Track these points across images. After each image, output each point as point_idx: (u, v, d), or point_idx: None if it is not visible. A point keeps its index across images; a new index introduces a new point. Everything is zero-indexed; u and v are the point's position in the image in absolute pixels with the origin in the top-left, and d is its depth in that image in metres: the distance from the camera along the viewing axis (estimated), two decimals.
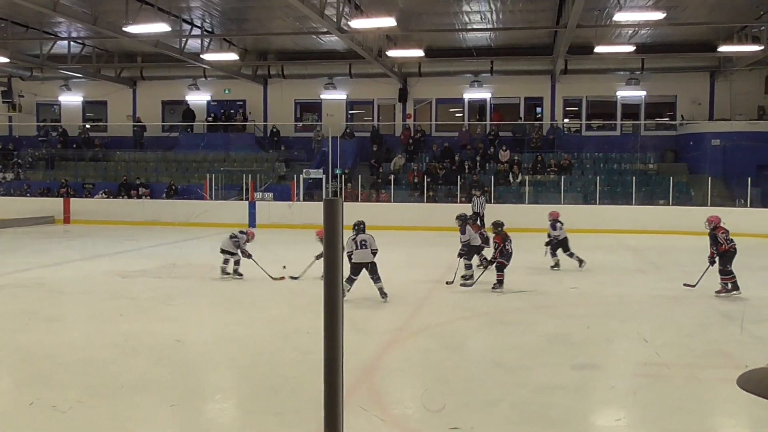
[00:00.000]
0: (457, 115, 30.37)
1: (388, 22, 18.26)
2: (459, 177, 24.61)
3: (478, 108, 29.96)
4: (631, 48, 23.29)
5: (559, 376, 7.01)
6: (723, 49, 22.42)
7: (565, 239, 14.12)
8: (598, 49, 22.46)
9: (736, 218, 20.04)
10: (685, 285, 11.53)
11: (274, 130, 29.68)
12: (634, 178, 23.32)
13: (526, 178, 24.58)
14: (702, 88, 27.73)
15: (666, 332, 8.94)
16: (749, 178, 21.65)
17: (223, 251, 12.87)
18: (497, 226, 12.09)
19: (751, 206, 21.13)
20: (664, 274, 14.10)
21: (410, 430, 5.57)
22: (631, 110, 28.68)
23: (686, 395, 6.55)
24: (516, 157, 26.38)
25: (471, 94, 29.28)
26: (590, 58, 24.56)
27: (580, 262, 13.91)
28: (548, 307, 10.52)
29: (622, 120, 28.74)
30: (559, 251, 14.11)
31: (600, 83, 27.80)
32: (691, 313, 10.21)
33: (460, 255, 12.48)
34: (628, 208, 22.36)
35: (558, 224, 14.17)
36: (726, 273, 11.04)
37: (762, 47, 21.65)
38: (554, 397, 6.35)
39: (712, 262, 11.18)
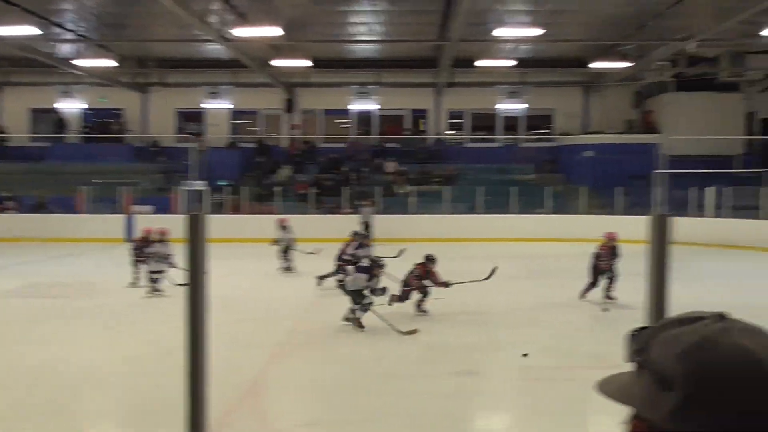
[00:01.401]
0: (344, 126, 30.53)
1: (274, 31, 18.13)
2: (345, 188, 24.74)
3: (365, 119, 30.25)
4: (511, 62, 24.26)
5: (443, 383, 7.18)
6: (595, 65, 23.74)
7: None
8: (481, 62, 23.30)
9: (608, 226, 21.26)
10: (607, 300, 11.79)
11: (154, 140, 28.77)
12: (514, 188, 24.20)
13: (412, 188, 25.06)
14: (577, 102, 29.24)
15: (545, 337, 9.34)
16: (619, 188, 22.99)
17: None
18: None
19: (622, 213, 22.37)
20: (543, 280, 14.71)
21: None
22: (511, 122, 29.80)
23: (564, 397, 6.86)
24: (402, 168, 26.84)
25: (358, 106, 29.54)
26: (473, 71, 25.35)
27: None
28: (433, 316, 10.73)
29: (503, 132, 29.82)
30: None
31: (482, 96, 28.72)
32: (571, 317, 10.71)
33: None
34: (509, 217, 23.18)
35: None
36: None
37: (630, 64, 23.10)
38: (444, 405, 6.50)
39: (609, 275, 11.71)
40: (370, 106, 29.49)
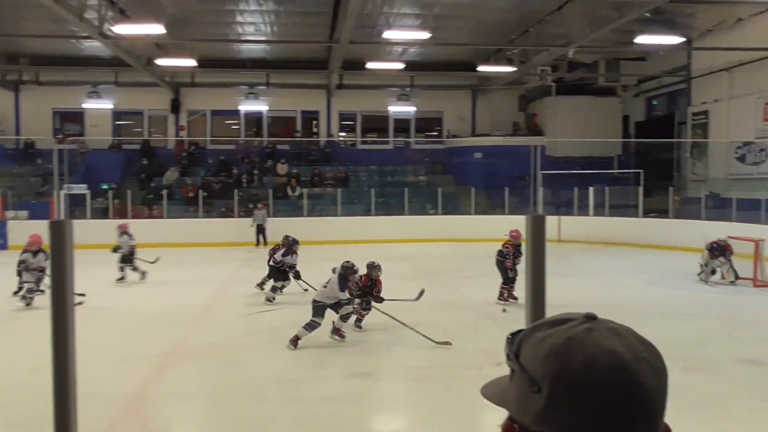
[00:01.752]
0: (233, 127, 29.97)
1: (156, 29, 17.58)
2: (236, 191, 24.31)
3: (254, 120, 29.82)
4: (401, 65, 24.59)
5: (337, 386, 7.16)
6: (482, 68, 24.43)
7: None
8: (371, 65, 23.50)
9: (497, 225, 21.92)
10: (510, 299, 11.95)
11: (29, 141, 27.22)
12: (406, 189, 24.53)
13: (304, 191, 24.92)
14: (465, 105, 29.98)
15: (439, 335, 9.47)
16: (507, 188, 23.74)
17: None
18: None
19: (508, 213, 23.12)
20: (434, 279, 14.94)
21: None
22: (402, 125, 30.19)
23: (458, 393, 6.99)
24: (294, 170, 26.65)
25: (247, 107, 29.01)
26: (363, 73, 25.54)
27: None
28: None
29: (394, 134, 30.18)
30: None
31: (373, 98, 28.93)
32: (460, 316, 10.93)
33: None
34: (401, 218, 23.47)
35: None
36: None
37: (515, 68, 23.91)
38: (332, 408, 6.48)
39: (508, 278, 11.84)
40: (260, 107, 29.03)
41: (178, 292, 13.09)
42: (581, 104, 27.92)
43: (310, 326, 8.83)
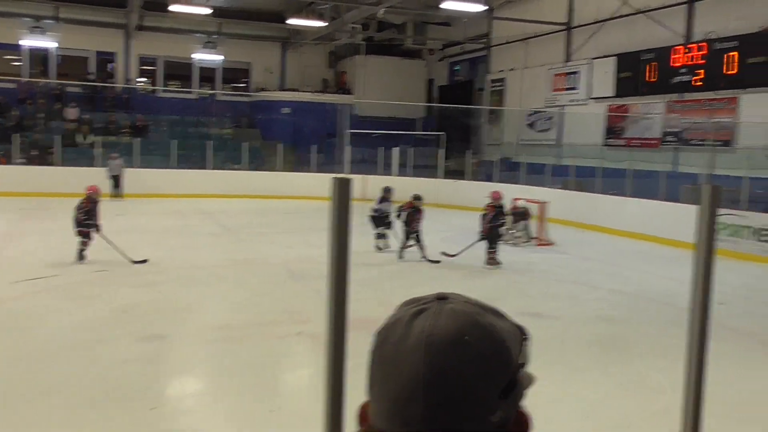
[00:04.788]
0: (14, 64, 27.14)
1: None
2: (17, 135, 22.12)
3: (41, 58, 27.18)
4: (208, 10, 23.54)
5: (128, 349, 6.86)
6: (292, 21, 24.10)
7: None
8: (175, 7, 22.24)
9: (303, 182, 21.99)
10: (443, 254, 12.17)
11: None
12: (210, 142, 23.73)
13: (98, 139, 23.29)
14: (275, 58, 29.49)
15: (239, 294, 9.37)
16: (315, 145, 23.80)
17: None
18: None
19: (316, 170, 23.22)
20: (235, 236, 14.71)
21: None
22: (207, 74, 29.11)
23: (259, 352, 6.97)
24: (86, 116, 24.81)
25: (32, 42, 26.25)
26: (167, 16, 24.21)
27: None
28: (120, 278, 10.17)
29: (199, 83, 29.03)
30: None
31: (177, 44, 27.54)
32: (262, 274, 10.86)
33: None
34: (204, 172, 22.71)
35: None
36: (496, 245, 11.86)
37: (326, 24, 23.86)
38: (127, 371, 6.21)
39: (483, 237, 11.80)
40: (48, 43, 26.36)
41: None
42: (389, 65, 28.55)
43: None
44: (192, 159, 23.48)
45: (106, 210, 12.07)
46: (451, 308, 0.80)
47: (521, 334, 0.83)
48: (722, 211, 11.54)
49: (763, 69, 15.52)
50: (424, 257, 12.00)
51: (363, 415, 0.82)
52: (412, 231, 12.16)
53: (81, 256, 10.95)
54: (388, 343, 0.79)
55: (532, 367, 0.84)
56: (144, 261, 10.76)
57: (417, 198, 12.48)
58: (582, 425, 5.44)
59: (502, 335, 0.80)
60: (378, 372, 0.79)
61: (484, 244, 11.92)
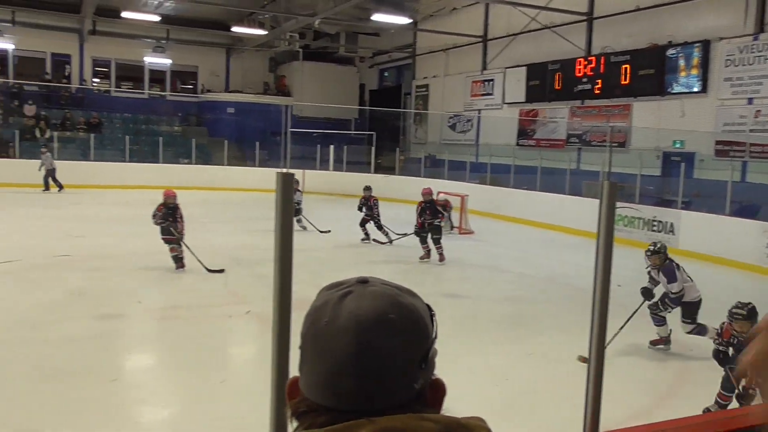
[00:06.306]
0: None
1: None
2: None
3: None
4: (156, 18, 22.96)
5: (82, 328, 6.64)
6: (235, 29, 23.70)
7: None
8: (126, 14, 21.70)
9: (245, 175, 21.70)
10: (375, 240, 12.57)
11: None
12: (161, 138, 23.18)
13: (55, 134, 22.40)
14: (220, 62, 28.89)
15: (187, 278, 9.18)
16: (257, 143, 23.47)
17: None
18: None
19: (258, 165, 22.91)
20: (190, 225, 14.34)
21: None
22: (158, 76, 28.30)
23: (204, 332, 6.85)
24: (43, 113, 23.79)
25: None
26: (119, 22, 23.55)
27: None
28: (69, 261, 9.81)
29: (149, 84, 28.20)
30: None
31: (129, 48, 26.66)
32: (207, 260, 10.63)
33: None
34: (155, 166, 22.13)
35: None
36: (440, 242, 11.07)
37: (266, 32, 23.52)
38: (77, 349, 6.00)
39: (417, 231, 11.15)
40: (5, 45, 25.15)
41: None
42: (324, 70, 28.36)
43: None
44: (144, 154, 22.87)
45: (54, 201, 11.63)
46: (372, 290, 0.80)
47: (429, 311, 0.84)
48: (619, 204, 11.91)
49: (651, 80, 16.09)
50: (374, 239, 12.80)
51: (292, 391, 0.81)
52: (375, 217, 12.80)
53: (178, 264, 9.40)
54: (320, 323, 0.78)
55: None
56: (221, 270, 9.40)
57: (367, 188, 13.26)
58: (493, 391, 5.55)
59: (419, 312, 0.81)
60: (310, 350, 0.79)
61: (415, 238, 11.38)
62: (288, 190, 1.20)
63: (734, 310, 5.13)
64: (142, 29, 25.65)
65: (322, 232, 13.22)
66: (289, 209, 1.23)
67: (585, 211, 13.27)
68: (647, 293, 6.87)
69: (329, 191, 21.66)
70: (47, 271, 9.19)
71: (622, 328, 6.39)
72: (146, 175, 21.03)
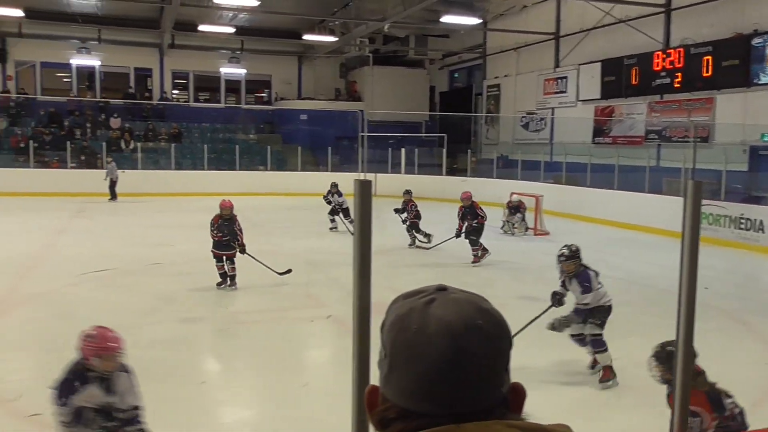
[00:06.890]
0: (65, 80, 27.34)
1: None
2: (69, 143, 22.29)
3: (87, 75, 27.41)
4: (231, 29, 23.65)
5: (166, 332, 6.91)
6: (307, 37, 24.12)
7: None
8: (202, 27, 22.43)
9: (320, 181, 22.00)
10: (419, 246, 12.54)
11: None
12: (237, 146, 23.87)
13: (139, 145, 23.45)
14: (292, 70, 29.49)
15: (264, 281, 9.39)
16: (329, 148, 23.81)
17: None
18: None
19: (332, 170, 23.21)
20: (261, 230, 14.69)
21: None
22: (233, 86, 29.18)
23: (285, 335, 7.00)
24: (127, 125, 24.95)
25: (79, 61, 26.57)
26: (195, 35, 24.36)
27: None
28: (158, 267, 10.24)
29: (226, 94, 29.11)
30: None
31: (205, 59, 27.64)
32: (284, 265, 10.84)
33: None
34: (232, 173, 22.83)
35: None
36: (477, 243, 11.05)
37: (336, 39, 23.83)
38: (164, 351, 6.25)
39: (458, 235, 11.14)
40: (92, 62, 26.69)
41: (14, 241, 11.90)
42: (394, 74, 28.48)
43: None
44: (221, 161, 23.63)
45: (134, 209, 12.11)
46: (455, 297, 0.82)
47: None
48: (703, 201, 11.45)
49: (735, 71, 15.37)
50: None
51: (372, 400, 0.82)
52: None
53: (223, 280, 8.92)
54: (409, 331, 0.79)
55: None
56: (289, 271, 9.27)
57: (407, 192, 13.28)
58: (572, 394, 5.43)
59: (502, 318, 0.83)
60: (399, 357, 0.79)
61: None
62: (366, 197, 1.22)
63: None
64: (218, 41, 26.51)
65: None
66: (367, 216, 1.25)
67: (666, 208, 12.80)
68: (558, 299, 6.15)
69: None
70: (139, 277, 9.61)
71: (524, 327, 5.88)
72: (224, 182, 21.72)
